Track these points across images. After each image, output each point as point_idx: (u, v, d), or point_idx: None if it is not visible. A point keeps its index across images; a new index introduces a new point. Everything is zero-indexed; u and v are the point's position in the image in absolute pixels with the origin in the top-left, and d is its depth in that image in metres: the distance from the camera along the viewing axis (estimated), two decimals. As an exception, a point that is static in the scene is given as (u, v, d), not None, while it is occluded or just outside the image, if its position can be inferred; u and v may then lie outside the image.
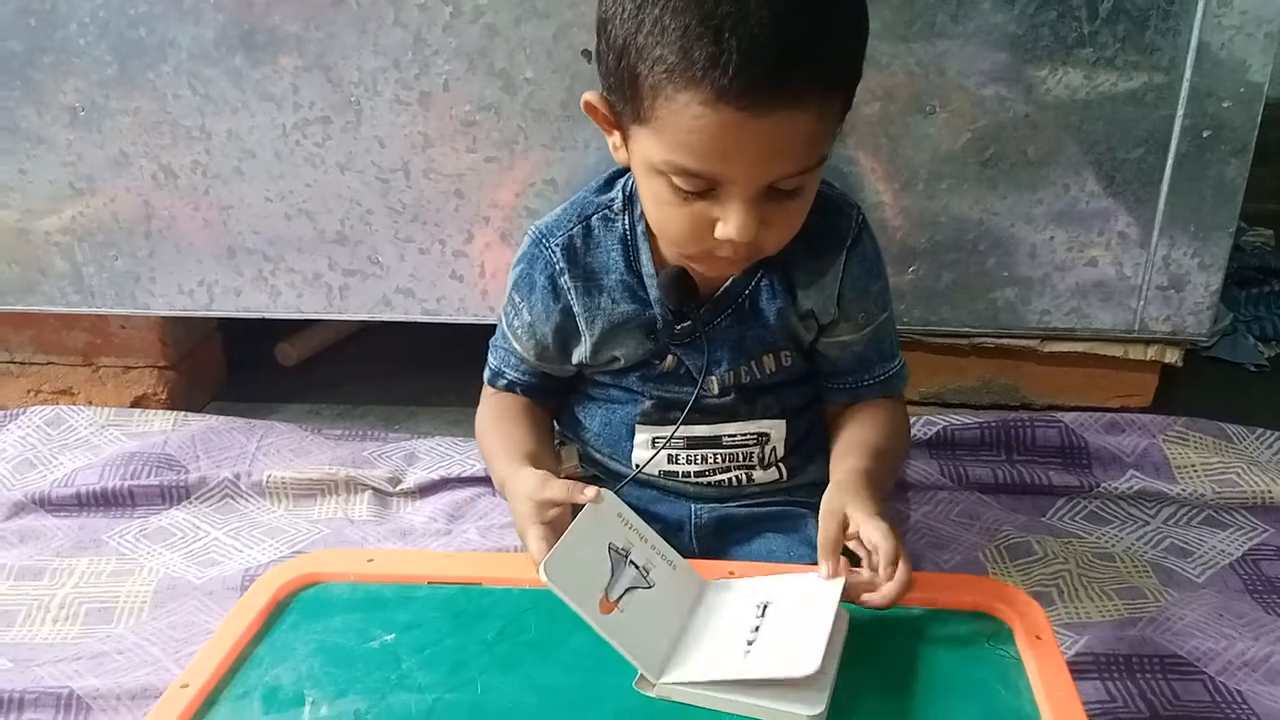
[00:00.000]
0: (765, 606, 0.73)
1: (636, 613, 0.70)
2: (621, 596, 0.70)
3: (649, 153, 0.74)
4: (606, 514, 0.74)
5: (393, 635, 0.73)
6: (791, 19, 0.66)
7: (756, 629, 0.71)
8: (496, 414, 0.93)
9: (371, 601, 0.77)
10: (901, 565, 0.71)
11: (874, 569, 0.73)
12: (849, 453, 0.85)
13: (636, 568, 0.73)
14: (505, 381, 0.94)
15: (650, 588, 0.73)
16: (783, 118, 0.68)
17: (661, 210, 0.77)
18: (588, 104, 0.79)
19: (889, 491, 0.90)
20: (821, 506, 0.78)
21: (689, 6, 0.66)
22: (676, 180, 0.73)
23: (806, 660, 0.65)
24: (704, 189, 0.73)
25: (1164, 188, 1.19)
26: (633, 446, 0.92)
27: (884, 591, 0.71)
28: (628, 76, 0.71)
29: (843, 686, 0.67)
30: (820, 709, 0.65)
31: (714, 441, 0.91)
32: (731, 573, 0.78)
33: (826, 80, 0.69)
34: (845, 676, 0.68)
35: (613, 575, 0.71)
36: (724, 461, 0.92)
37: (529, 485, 0.78)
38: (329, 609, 0.77)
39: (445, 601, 0.77)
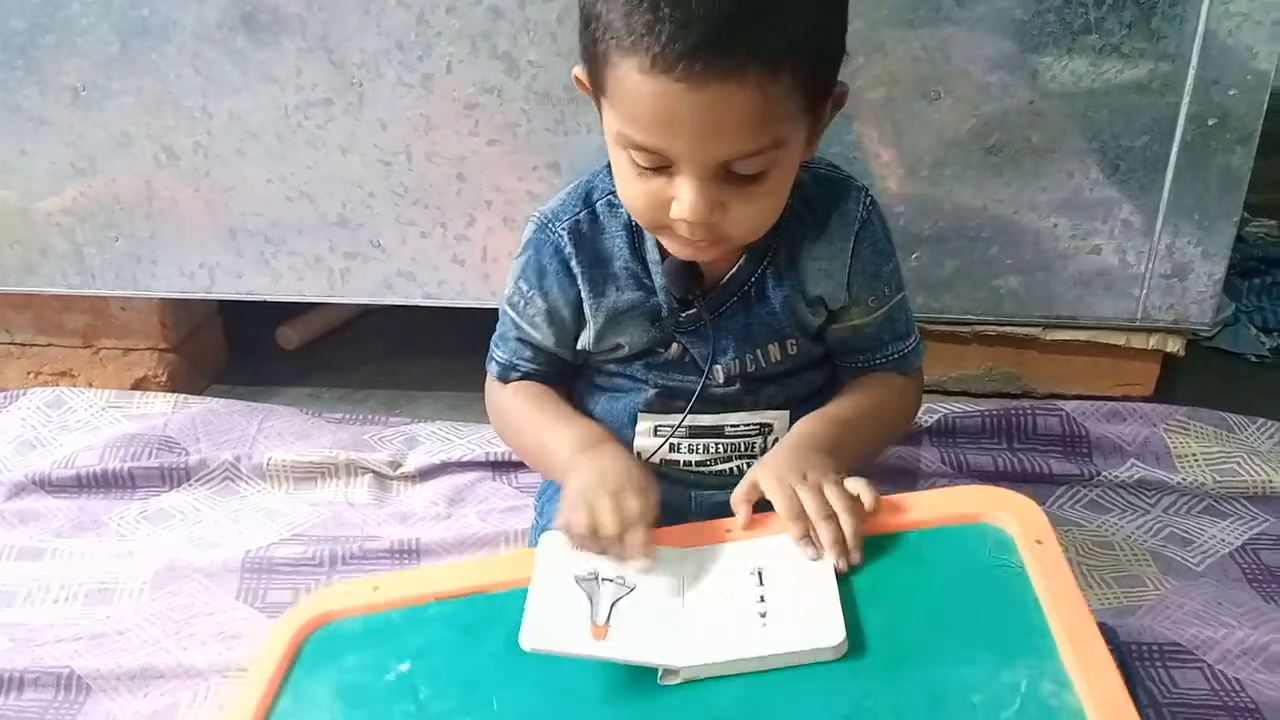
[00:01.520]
0: (760, 572, 0.72)
1: (631, 619, 0.69)
2: (609, 615, 0.69)
3: (608, 124, 0.74)
4: (558, 554, 0.74)
5: (407, 664, 0.73)
6: None
7: (762, 599, 0.70)
8: (527, 401, 0.91)
9: (382, 631, 0.76)
10: (824, 524, 0.71)
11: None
12: (817, 414, 0.85)
13: (611, 581, 0.72)
14: (519, 374, 0.93)
15: (633, 589, 0.72)
16: (720, 91, 0.67)
17: (623, 185, 0.77)
18: (576, 78, 0.79)
19: (854, 455, 0.87)
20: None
21: None
22: (633, 154, 0.73)
23: (830, 631, 0.65)
24: (658, 165, 0.73)
25: (1168, 176, 1.19)
26: (634, 434, 0.91)
27: (810, 554, 0.72)
28: (590, 45, 0.72)
29: (847, 626, 0.66)
30: (842, 637, 0.65)
31: (716, 431, 0.90)
32: (728, 531, 0.77)
33: (767, 55, 0.67)
34: (847, 618, 0.67)
35: (592, 603, 0.70)
36: (726, 451, 0.91)
37: (638, 482, 0.77)
38: (342, 647, 0.76)
39: (452, 617, 0.76)
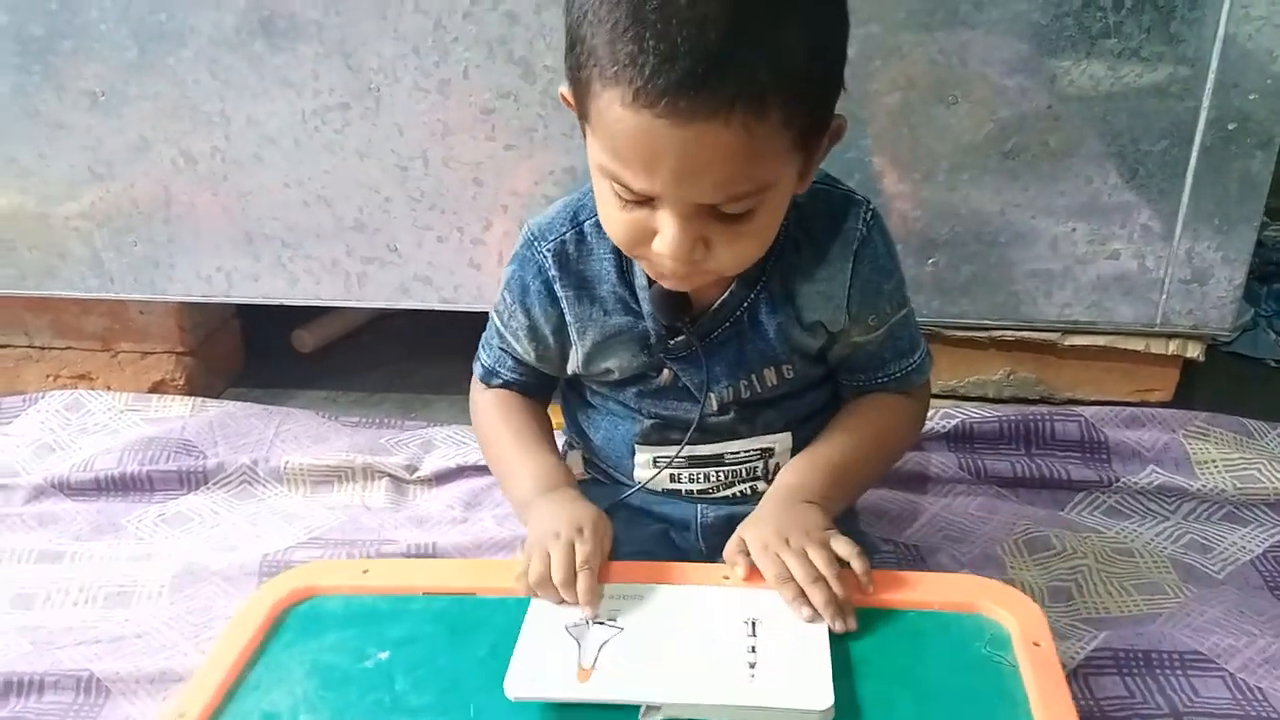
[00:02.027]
0: (753, 623, 0.72)
1: (617, 660, 0.69)
2: (596, 658, 0.69)
3: (591, 152, 0.72)
4: (551, 606, 0.74)
5: (387, 653, 0.72)
6: (719, 26, 0.62)
7: (753, 649, 0.70)
8: (500, 415, 0.92)
9: (366, 615, 0.76)
10: (812, 588, 0.72)
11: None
12: (804, 458, 0.85)
13: (602, 624, 0.72)
14: (500, 381, 0.93)
15: (622, 630, 0.72)
16: (703, 130, 0.64)
17: (605, 212, 0.75)
18: (563, 95, 0.75)
19: (848, 496, 0.88)
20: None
21: (623, 1, 0.63)
22: (614, 186, 0.71)
23: (819, 695, 0.65)
24: (641, 198, 0.70)
25: (1188, 181, 1.18)
26: (634, 465, 0.91)
27: (805, 614, 0.72)
28: (574, 68, 0.69)
29: (835, 694, 0.66)
30: (830, 702, 0.65)
31: (716, 460, 0.89)
32: (726, 577, 0.77)
33: (754, 94, 0.64)
34: (836, 685, 0.67)
35: (580, 647, 0.70)
36: (728, 478, 0.90)
37: (584, 519, 0.79)
38: (324, 624, 0.76)
39: (439, 614, 0.76)
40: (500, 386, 0.93)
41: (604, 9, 0.64)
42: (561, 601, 0.74)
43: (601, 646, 0.70)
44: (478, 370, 0.95)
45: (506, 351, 0.91)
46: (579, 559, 0.75)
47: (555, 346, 0.88)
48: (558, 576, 0.74)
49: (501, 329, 0.90)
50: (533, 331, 0.87)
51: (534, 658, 0.69)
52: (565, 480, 0.86)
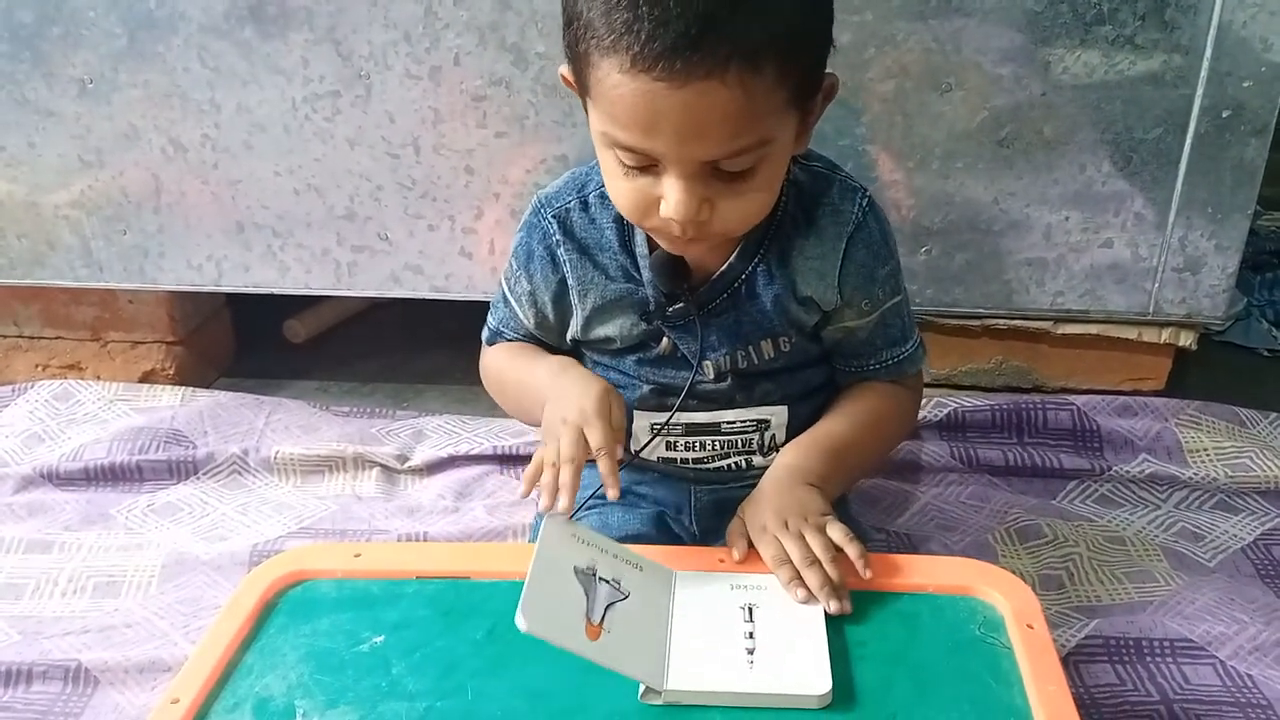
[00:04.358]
0: (751, 609, 0.72)
1: (623, 628, 0.69)
2: (604, 616, 0.69)
3: (593, 124, 0.74)
4: (561, 538, 0.73)
5: (382, 637, 0.72)
6: None
7: (751, 635, 0.70)
8: (514, 351, 0.93)
9: (359, 599, 0.76)
10: (809, 570, 0.73)
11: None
12: (803, 440, 0.86)
13: (607, 582, 0.72)
14: (506, 341, 0.94)
15: (627, 597, 0.71)
16: (700, 90, 0.66)
17: (612, 184, 0.77)
18: (562, 76, 0.78)
19: (845, 482, 0.89)
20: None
21: None
22: (618, 154, 0.73)
23: (817, 680, 0.66)
24: (644, 164, 0.72)
25: (1182, 169, 1.18)
26: (631, 433, 0.90)
27: (800, 596, 0.73)
28: (572, 44, 0.72)
29: (833, 677, 0.67)
30: (828, 687, 0.65)
31: (713, 428, 0.90)
32: (721, 560, 0.77)
33: (748, 51, 0.66)
34: (833, 669, 0.67)
35: (588, 598, 0.70)
36: (723, 448, 0.91)
37: (599, 393, 0.78)
38: (317, 609, 0.75)
39: (434, 598, 0.75)
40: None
41: None
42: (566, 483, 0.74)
43: (608, 607, 0.70)
44: (484, 335, 0.96)
45: (513, 316, 0.93)
46: (593, 445, 0.75)
47: (554, 316, 0.89)
48: (565, 461, 0.74)
49: (508, 294, 0.92)
50: (533, 298, 0.89)
51: (545, 595, 0.69)
52: (577, 363, 0.87)
